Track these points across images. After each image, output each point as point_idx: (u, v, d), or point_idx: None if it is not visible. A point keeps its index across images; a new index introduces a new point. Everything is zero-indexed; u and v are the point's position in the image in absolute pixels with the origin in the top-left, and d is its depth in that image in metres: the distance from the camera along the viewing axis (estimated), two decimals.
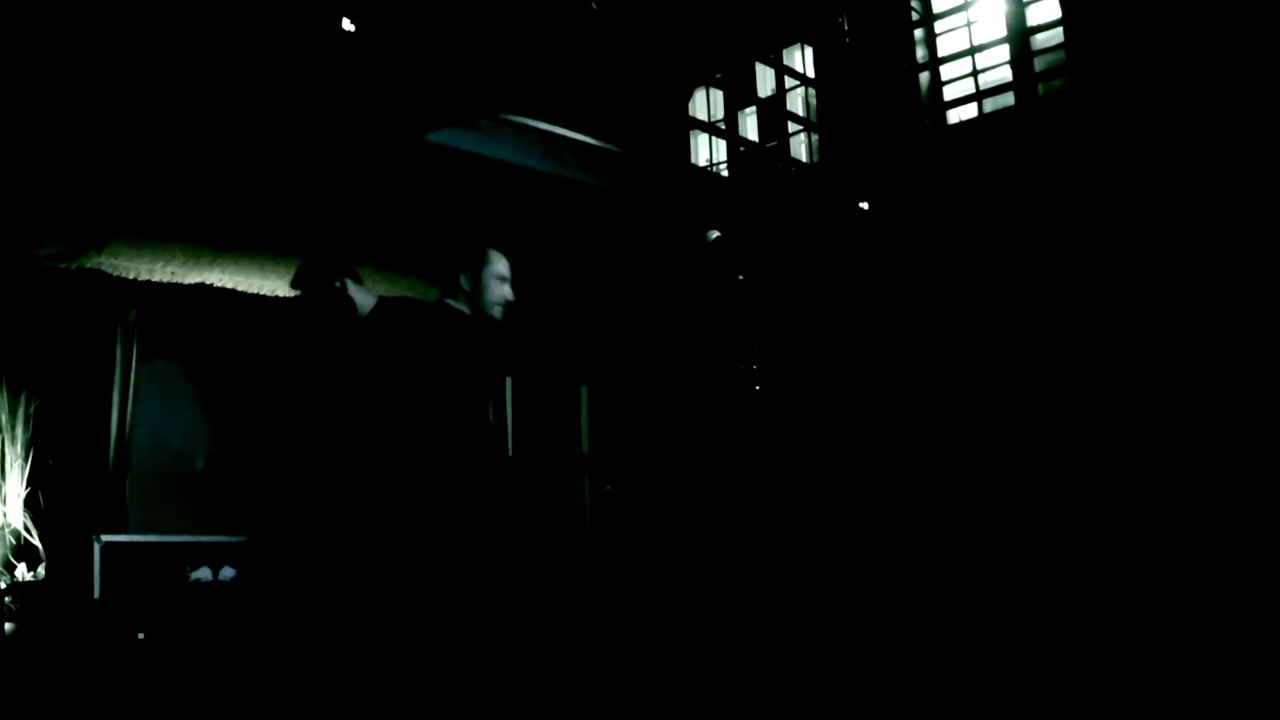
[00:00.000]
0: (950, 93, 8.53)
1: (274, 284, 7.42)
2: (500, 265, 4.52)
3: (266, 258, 7.09)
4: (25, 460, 7.07)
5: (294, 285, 4.62)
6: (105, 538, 6.38)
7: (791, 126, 8.64)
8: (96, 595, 6.21)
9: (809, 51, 8.89)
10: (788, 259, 7.73)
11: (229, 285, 7.33)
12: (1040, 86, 7.97)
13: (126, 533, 6.96)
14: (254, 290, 7.46)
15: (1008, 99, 8.14)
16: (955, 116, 8.44)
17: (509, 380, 9.05)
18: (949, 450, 7.44)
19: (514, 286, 5.73)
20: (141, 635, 6.18)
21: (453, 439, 4.96)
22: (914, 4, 8.72)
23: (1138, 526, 6.54)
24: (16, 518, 6.93)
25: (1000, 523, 7.07)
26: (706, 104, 8.94)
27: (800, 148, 8.78)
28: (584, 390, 9.37)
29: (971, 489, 7.27)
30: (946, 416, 7.52)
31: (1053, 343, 7.18)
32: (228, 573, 6.98)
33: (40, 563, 6.86)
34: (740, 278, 7.23)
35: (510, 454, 8.94)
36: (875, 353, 7.91)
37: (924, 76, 8.56)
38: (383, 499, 7.66)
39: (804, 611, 7.02)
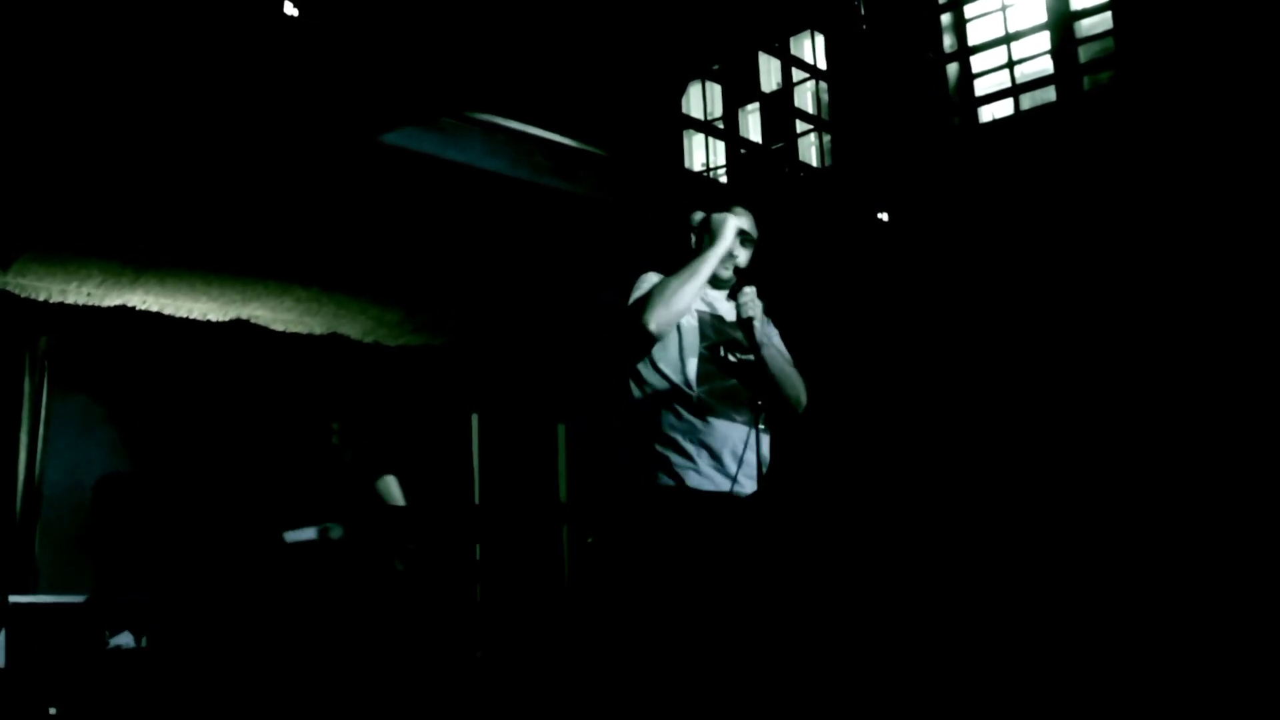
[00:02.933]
0: (982, 87, 8.55)
1: (205, 307, 7.42)
2: (726, 224, 4.52)
3: (197, 277, 7.09)
4: None
5: None
6: (12, 598, 6.37)
7: (799, 125, 8.65)
8: (1, 665, 6.20)
9: (820, 40, 8.90)
10: (795, 277, 7.74)
11: (154, 308, 7.33)
12: (1086, 79, 7.97)
13: (36, 592, 6.95)
14: (182, 314, 7.46)
15: (1048, 94, 8.15)
16: (988, 114, 8.45)
17: (475, 417, 9.05)
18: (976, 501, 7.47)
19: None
20: (54, 711, 6.16)
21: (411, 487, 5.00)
22: None
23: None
24: None
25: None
26: (703, 100, 8.97)
27: (810, 149, 8.79)
28: (561, 429, 9.35)
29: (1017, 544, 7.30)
30: (976, 455, 7.54)
31: (1098, 371, 7.19)
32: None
33: None
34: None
35: (477, 502, 8.94)
36: (897, 384, 7.92)
37: (952, 68, 8.58)
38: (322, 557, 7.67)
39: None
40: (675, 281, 4.28)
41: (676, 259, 4.53)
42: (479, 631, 8.39)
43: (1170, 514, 6.76)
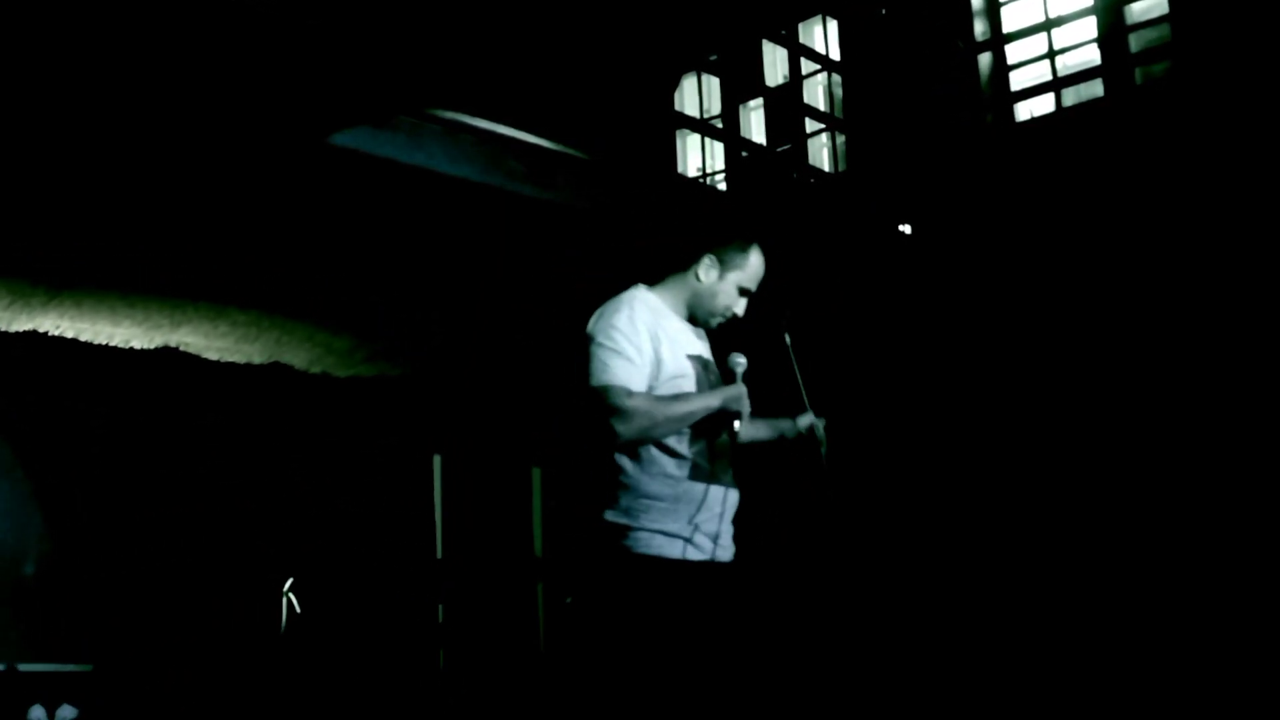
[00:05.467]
0: (1019, 80, 8.49)
1: (128, 332, 7.35)
2: (747, 274, 4.34)
3: (119, 298, 7.02)
4: None
5: None
6: None
7: (809, 124, 8.59)
8: None
9: (833, 26, 8.86)
10: (805, 298, 7.69)
11: (69, 334, 7.27)
12: (1137, 72, 7.93)
13: None
14: (102, 340, 7.40)
15: (1095, 88, 8.10)
16: (1025, 111, 8.41)
17: (438, 459, 9.00)
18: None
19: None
20: None
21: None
22: None
23: None
24: None
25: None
26: (699, 96, 8.91)
27: (821, 151, 8.75)
28: (536, 473, 9.32)
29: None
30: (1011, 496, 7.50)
31: (1154, 405, 7.13)
32: (67, 713, 6.93)
33: None
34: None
35: (439, 555, 8.90)
36: (922, 419, 7.87)
37: (984, 59, 8.51)
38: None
39: None
40: (669, 410, 4.10)
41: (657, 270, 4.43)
42: (441, 702, 8.34)
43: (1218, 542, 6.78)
